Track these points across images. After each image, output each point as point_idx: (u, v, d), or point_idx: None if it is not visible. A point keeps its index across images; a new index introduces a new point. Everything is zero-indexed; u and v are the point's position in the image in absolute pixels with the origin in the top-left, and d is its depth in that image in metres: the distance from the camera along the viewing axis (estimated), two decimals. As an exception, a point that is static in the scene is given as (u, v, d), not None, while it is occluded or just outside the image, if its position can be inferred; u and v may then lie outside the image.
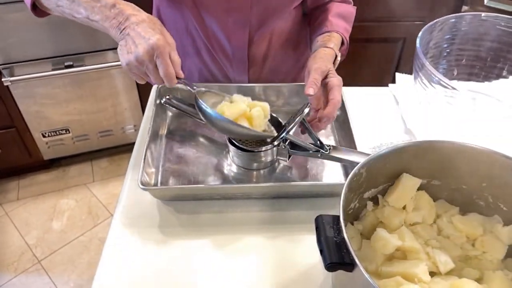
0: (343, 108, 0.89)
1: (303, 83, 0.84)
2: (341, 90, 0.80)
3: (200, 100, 0.72)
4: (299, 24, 1.02)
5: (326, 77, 0.81)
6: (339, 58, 0.90)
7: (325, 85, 0.80)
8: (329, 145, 0.77)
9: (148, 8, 0.81)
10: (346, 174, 0.82)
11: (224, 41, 0.95)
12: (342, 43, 0.95)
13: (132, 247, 0.70)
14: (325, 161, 0.83)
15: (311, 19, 1.01)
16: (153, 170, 0.78)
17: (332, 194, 0.79)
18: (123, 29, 0.68)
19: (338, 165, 0.84)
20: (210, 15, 0.90)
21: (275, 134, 0.78)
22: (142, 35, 0.67)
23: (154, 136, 0.84)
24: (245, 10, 0.88)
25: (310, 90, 0.76)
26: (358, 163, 0.70)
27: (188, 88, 0.75)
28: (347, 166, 0.82)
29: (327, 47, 0.88)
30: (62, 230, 1.89)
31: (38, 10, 0.81)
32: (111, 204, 2.02)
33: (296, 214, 0.77)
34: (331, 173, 0.83)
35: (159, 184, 0.78)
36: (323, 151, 0.77)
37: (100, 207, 2.00)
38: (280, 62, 1.03)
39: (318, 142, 0.77)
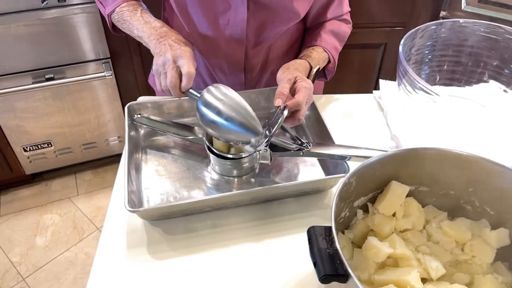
0: (314, 108, 0.91)
1: (273, 87, 0.90)
2: (308, 92, 0.80)
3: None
4: (297, 40, 1.02)
5: (295, 83, 0.82)
6: (314, 70, 0.90)
7: (293, 90, 0.81)
8: (309, 142, 0.78)
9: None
10: (326, 168, 0.85)
11: (221, 56, 0.95)
12: (329, 61, 0.95)
13: (121, 268, 0.69)
14: (303, 158, 0.85)
15: (307, 33, 1.01)
16: (136, 191, 0.77)
17: (318, 190, 0.81)
18: (162, 40, 0.78)
19: (315, 161, 0.86)
20: (207, 30, 0.90)
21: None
22: (176, 45, 0.76)
23: (134, 155, 0.83)
24: (242, 26, 0.88)
25: (278, 101, 0.77)
26: (339, 156, 0.76)
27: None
28: (325, 161, 0.85)
29: (301, 58, 0.90)
30: (47, 246, 1.85)
31: (117, 29, 0.92)
32: (96, 217, 1.98)
33: (287, 217, 0.77)
34: (311, 170, 0.85)
35: (144, 204, 0.76)
36: (305, 149, 0.77)
37: (85, 221, 1.97)
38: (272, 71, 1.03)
39: (298, 141, 0.78)
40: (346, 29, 1.00)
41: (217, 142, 0.81)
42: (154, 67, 0.77)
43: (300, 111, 0.79)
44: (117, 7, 0.87)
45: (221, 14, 0.87)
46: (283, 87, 0.80)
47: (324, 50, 0.94)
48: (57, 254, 1.82)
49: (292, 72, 0.83)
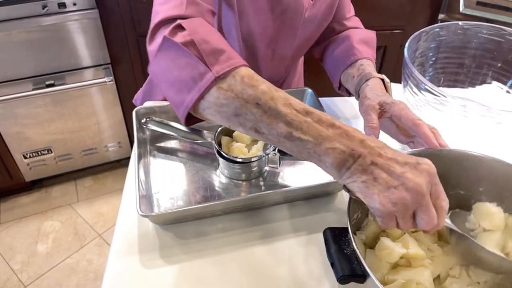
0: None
1: (294, 88, 0.90)
2: (410, 112, 0.71)
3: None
4: None
5: (383, 110, 0.74)
6: (387, 80, 0.82)
7: (390, 117, 0.74)
8: None
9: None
10: None
11: (264, 74, 0.93)
12: None
13: (134, 273, 0.68)
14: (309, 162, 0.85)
15: (328, 47, 0.97)
16: (146, 195, 0.77)
17: (327, 193, 0.81)
18: (360, 156, 0.49)
19: None
20: (256, 48, 0.89)
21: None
22: (401, 160, 0.49)
23: (143, 160, 0.83)
24: (290, 46, 0.89)
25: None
26: None
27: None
28: None
29: (367, 79, 0.82)
30: (48, 253, 1.84)
31: (188, 118, 0.60)
32: (97, 223, 1.98)
33: (297, 219, 0.77)
34: (320, 173, 0.84)
35: (155, 209, 0.76)
36: None
37: (86, 227, 1.96)
38: (290, 81, 1.06)
39: None
40: (372, 34, 0.96)
41: (226, 146, 0.81)
42: (390, 208, 0.47)
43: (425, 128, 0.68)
44: (237, 67, 0.55)
45: (273, 37, 0.87)
46: (371, 119, 0.71)
47: (371, 61, 0.89)
48: (59, 261, 1.81)
49: (375, 97, 0.76)
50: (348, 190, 0.52)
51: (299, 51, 0.95)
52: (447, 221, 0.55)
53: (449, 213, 0.65)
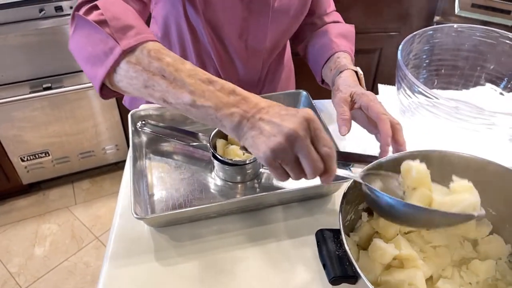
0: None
1: (287, 91, 0.89)
2: (377, 101, 0.73)
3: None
4: None
5: (353, 100, 0.75)
6: (360, 72, 0.83)
7: (359, 108, 0.75)
8: None
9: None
10: None
11: (239, 68, 0.94)
12: None
13: (129, 276, 0.69)
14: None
15: (309, 43, 0.98)
16: (142, 198, 0.77)
17: (321, 195, 0.82)
18: (251, 116, 0.54)
19: None
20: (227, 40, 0.89)
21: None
22: (283, 113, 0.53)
23: (138, 163, 0.83)
24: (263, 38, 0.88)
25: (343, 130, 0.72)
26: (342, 163, 0.75)
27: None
28: None
29: (341, 71, 0.83)
30: (45, 256, 1.84)
31: (105, 91, 0.65)
32: (95, 226, 1.98)
33: (291, 221, 0.77)
34: None
35: (149, 211, 0.76)
36: None
37: (83, 230, 1.96)
38: (275, 79, 1.04)
39: None
40: (350, 28, 0.97)
41: (221, 149, 0.81)
42: (269, 154, 0.51)
43: (386, 124, 0.70)
44: (144, 42, 0.59)
45: (244, 29, 0.87)
46: (343, 111, 0.73)
47: (348, 54, 0.90)
48: (56, 264, 1.81)
49: (346, 90, 0.77)
50: (246, 150, 0.56)
51: (275, 45, 0.93)
52: (351, 173, 0.59)
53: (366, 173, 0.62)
